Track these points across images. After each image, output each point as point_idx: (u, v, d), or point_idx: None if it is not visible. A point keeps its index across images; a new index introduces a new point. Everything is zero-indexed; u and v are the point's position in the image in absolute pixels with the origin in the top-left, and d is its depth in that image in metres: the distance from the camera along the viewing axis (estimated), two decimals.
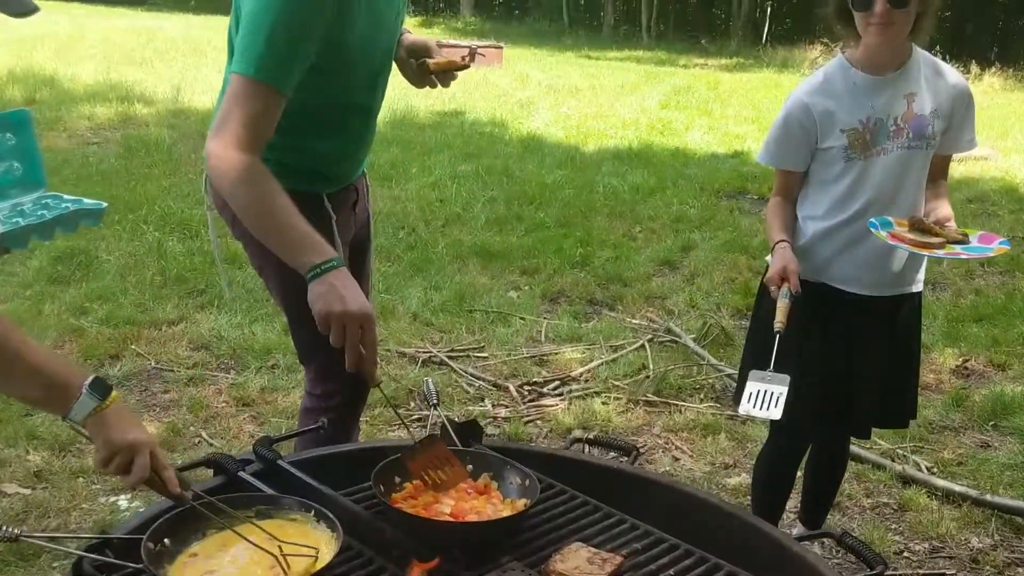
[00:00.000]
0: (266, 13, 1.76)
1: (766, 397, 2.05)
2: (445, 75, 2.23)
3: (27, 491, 2.91)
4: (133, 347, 3.99)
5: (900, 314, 2.44)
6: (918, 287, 2.46)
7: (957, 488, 3.18)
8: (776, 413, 2.03)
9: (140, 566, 1.30)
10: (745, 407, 2.07)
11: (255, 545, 1.35)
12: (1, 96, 9.14)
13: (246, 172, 1.76)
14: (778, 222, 2.42)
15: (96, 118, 8.58)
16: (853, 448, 3.06)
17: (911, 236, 2.22)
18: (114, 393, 1.37)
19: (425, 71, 2.21)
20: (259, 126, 1.79)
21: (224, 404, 3.58)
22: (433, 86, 2.28)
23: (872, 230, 2.23)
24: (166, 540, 1.37)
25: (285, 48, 1.78)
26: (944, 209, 2.37)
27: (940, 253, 2.21)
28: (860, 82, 2.34)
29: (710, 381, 4.01)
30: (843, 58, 2.37)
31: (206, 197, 2.17)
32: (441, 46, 2.30)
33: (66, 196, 2.07)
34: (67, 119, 8.39)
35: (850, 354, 2.41)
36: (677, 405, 3.78)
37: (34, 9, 1.45)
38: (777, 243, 2.35)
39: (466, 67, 2.25)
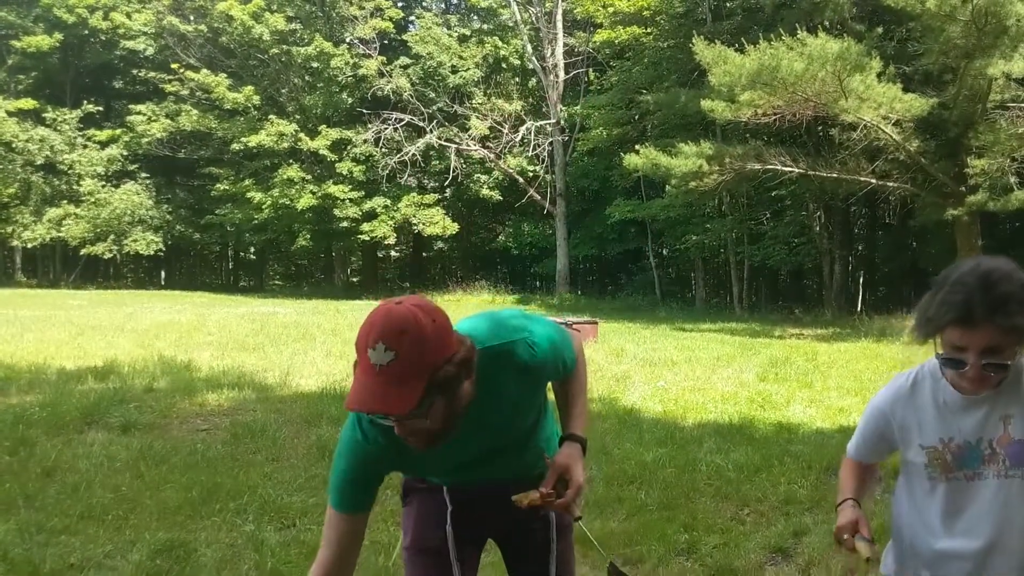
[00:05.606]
0: None
1: None
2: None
3: None
4: None
5: None
6: None
7: None
8: None
9: None
10: None
11: None
12: (124, 385, 9.66)
13: None
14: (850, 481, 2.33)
15: (207, 405, 8.93)
16: None
17: None
18: None
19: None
20: None
21: None
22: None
23: None
24: None
25: None
26: None
27: None
28: (949, 400, 2.09)
29: None
30: (937, 367, 2.08)
31: None
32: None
33: None
34: (180, 407, 8.75)
35: None
36: None
37: None
38: (841, 503, 2.24)
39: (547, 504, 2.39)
